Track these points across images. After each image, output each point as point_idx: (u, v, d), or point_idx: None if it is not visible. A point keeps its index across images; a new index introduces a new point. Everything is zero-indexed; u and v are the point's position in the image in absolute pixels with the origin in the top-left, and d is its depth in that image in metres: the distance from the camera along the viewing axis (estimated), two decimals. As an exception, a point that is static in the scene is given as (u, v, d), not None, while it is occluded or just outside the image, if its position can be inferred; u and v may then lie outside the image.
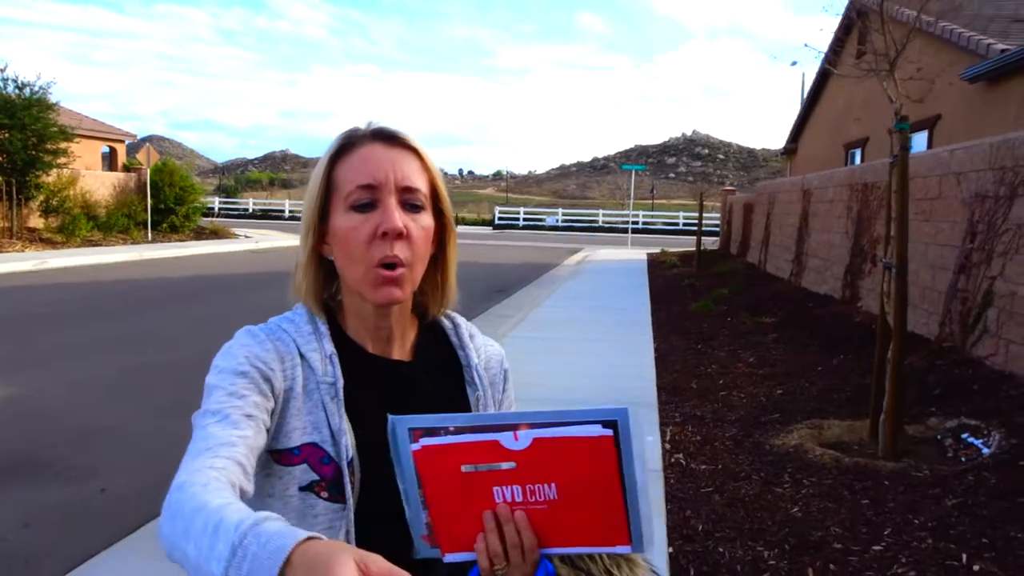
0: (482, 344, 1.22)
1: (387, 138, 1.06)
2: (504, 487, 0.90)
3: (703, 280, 14.56)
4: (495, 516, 0.89)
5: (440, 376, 1.15)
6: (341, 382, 1.04)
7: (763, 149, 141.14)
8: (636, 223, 39.62)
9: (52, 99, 19.39)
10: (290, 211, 47.66)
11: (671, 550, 3.37)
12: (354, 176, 1.03)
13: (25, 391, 6.18)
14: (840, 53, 16.15)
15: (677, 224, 43.33)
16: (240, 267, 17.51)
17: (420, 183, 1.06)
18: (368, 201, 1.02)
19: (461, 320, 1.22)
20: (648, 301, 11.99)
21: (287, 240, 26.31)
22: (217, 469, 0.88)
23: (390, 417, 0.90)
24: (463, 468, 0.89)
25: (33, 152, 18.91)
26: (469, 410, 1.14)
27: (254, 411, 0.97)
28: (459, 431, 0.88)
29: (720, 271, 15.88)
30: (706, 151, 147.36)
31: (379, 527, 1.01)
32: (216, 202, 46.12)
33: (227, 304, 11.61)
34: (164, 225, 24.34)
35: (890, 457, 4.40)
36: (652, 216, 47.63)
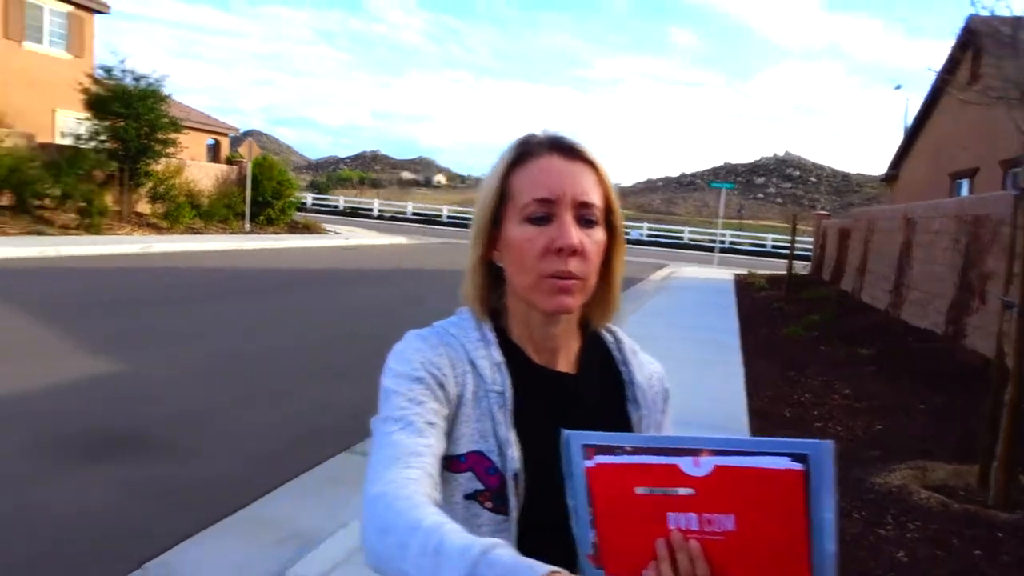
0: (644, 361, 1.19)
1: (565, 150, 1.05)
2: (679, 514, 0.85)
3: (793, 305, 14.15)
4: (668, 544, 0.85)
5: (603, 391, 1.13)
6: (510, 392, 1.03)
7: (858, 174, 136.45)
8: (723, 242, 38.87)
9: (165, 92, 20.35)
10: (379, 210, 48.64)
11: (767, 584, 3.26)
12: (531, 188, 1.02)
13: (128, 369, 6.47)
14: (950, 79, 15.48)
15: (765, 246, 42.28)
16: (331, 262, 17.97)
17: (596, 198, 1.04)
18: (544, 215, 1.01)
19: (624, 335, 1.19)
20: (736, 323, 11.71)
21: (376, 238, 26.87)
22: (413, 480, 0.87)
23: (564, 432, 0.88)
24: (637, 490, 0.85)
25: (145, 141, 19.88)
26: (631, 429, 1.11)
27: (434, 418, 0.97)
28: (636, 451, 0.85)
29: (811, 296, 15.40)
30: (797, 173, 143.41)
31: (540, 540, 0.99)
32: (309, 198, 47.47)
33: (319, 297, 11.92)
34: (261, 217, 25.22)
35: (1002, 507, 4.15)
36: (739, 236, 46.62)
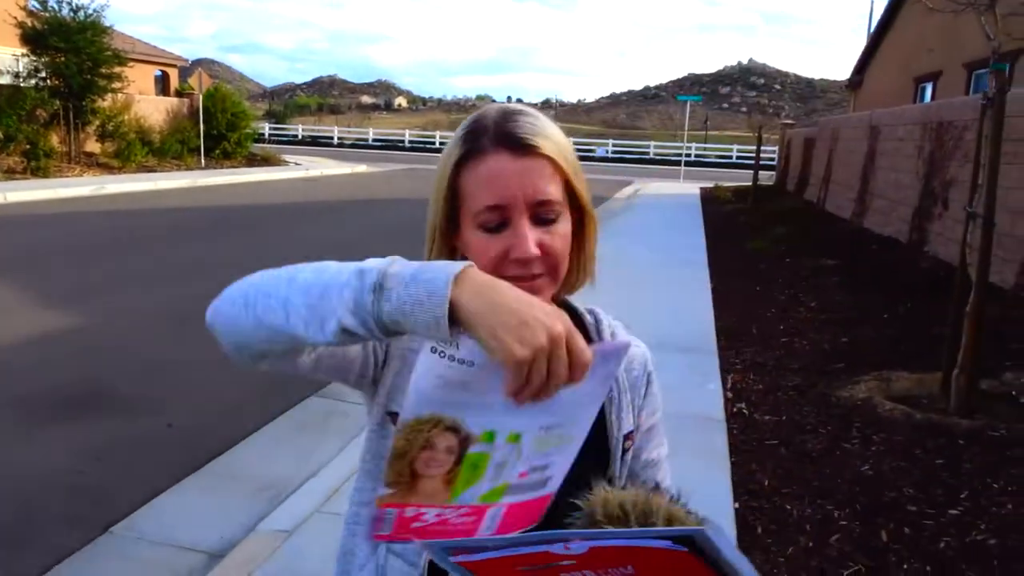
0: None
1: (515, 145, 0.93)
2: (574, 573, 0.74)
3: (759, 218, 14.19)
4: None
5: None
6: None
7: (822, 79, 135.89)
8: (689, 156, 38.73)
9: (106, 23, 19.41)
10: (339, 138, 47.59)
11: (737, 505, 3.32)
12: (480, 193, 0.93)
13: (90, 321, 6.31)
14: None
15: (731, 157, 42.24)
16: (292, 196, 17.60)
17: (554, 192, 0.94)
18: (498, 222, 0.92)
19: (604, 316, 1.14)
20: (703, 240, 11.73)
21: (337, 168, 26.33)
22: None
23: (423, 546, 0.78)
24: (520, 568, 0.74)
25: (88, 76, 19.03)
26: (603, 409, 1.04)
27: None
28: (497, 547, 0.74)
29: (777, 209, 15.45)
30: (762, 81, 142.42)
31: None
32: (266, 128, 46.26)
33: (279, 234, 11.69)
34: (217, 151, 24.51)
35: (964, 414, 4.24)
36: (705, 149, 46.48)
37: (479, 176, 0.93)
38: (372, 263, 0.74)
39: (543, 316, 0.69)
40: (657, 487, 0.98)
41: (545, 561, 0.72)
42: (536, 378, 0.68)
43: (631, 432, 1.07)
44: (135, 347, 5.65)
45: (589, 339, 1.09)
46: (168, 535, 3.14)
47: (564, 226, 0.96)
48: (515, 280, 0.88)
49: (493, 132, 0.94)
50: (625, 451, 1.06)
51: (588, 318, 1.11)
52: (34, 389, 4.68)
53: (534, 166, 0.93)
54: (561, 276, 0.97)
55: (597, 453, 1.02)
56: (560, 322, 0.69)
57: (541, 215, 0.93)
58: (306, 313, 0.75)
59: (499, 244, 0.92)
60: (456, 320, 0.69)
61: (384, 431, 0.98)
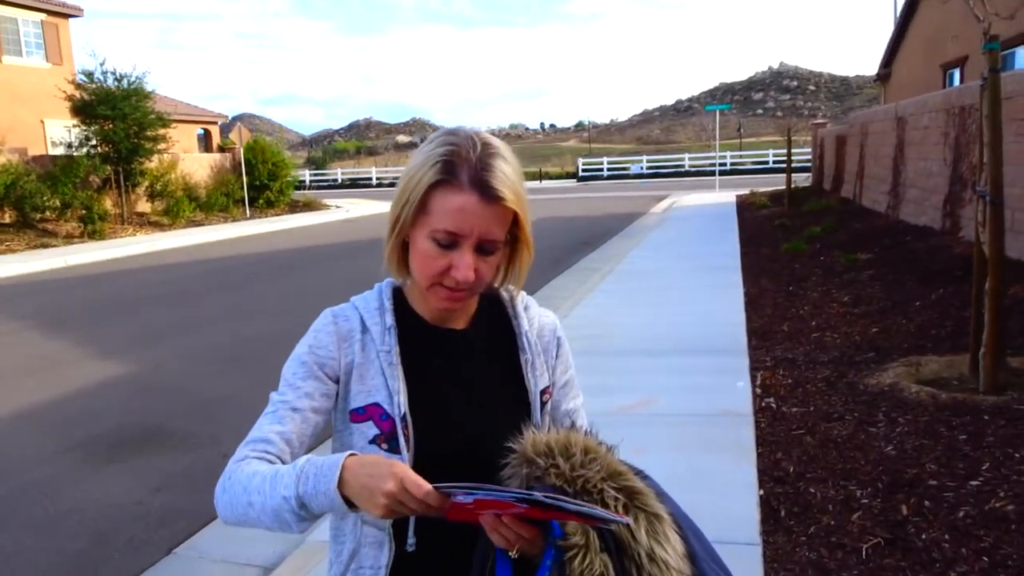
0: (536, 314, 1.33)
1: (488, 193, 1.09)
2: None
3: (795, 219, 14.15)
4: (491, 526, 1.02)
5: (495, 342, 1.28)
6: (396, 349, 1.20)
7: (857, 76, 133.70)
8: (723, 164, 38.52)
9: (148, 88, 20.34)
10: (377, 179, 48.54)
11: (762, 492, 3.43)
12: (445, 218, 1.10)
13: (148, 367, 6.69)
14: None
15: (767, 163, 41.88)
16: (334, 237, 18.11)
17: (500, 233, 1.14)
18: (449, 243, 1.12)
19: (518, 293, 1.33)
20: (737, 245, 11.78)
21: (376, 208, 26.92)
22: (253, 460, 1.14)
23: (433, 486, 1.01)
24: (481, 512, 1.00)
25: (135, 140, 19.94)
26: (520, 371, 1.26)
27: (302, 402, 1.19)
28: (468, 492, 0.97)
29: (813, 209, 15.38)
30: (795, 83, 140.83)
31: (437, 473, 1.15)
32: (307, 175, 47.44)
33: (325, 274, 12.10)
34: (260, 201, 25.34)
35: (991, 391, 4.28)
36: (740, 156, 46.16)
37: (448, 204, 1.10)
38: (289, 481, 1.04)
39: (379, 482, 0.96)
40: (573, 425, 1.21)
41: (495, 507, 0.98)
42: (411, 513, 0.98)
43: (547, 388, 1.29)
44: (188, 387, 5.98)
45: (506, 313, 1.31)
46: (226, 553, 3.38)
47: (497, 257, 1.17)
48: (447, 290, 1.15)
49: (470, 175, 1.10)
50: (544, 403, 1.27)
51: (504, 295, 1.32)
52: (98, 431, 5.02)
53: (496, 214, 1.12)
54: (481, 289, 1.20)
55: (519, 406, 1.23)
56: (391, 480, 0.95)
57: (484, 247, 1.13)
58: (269, 523, 1.08)
59: (444, 260, 1.13)
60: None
61: (348, 427, 1.22)
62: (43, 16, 22.55)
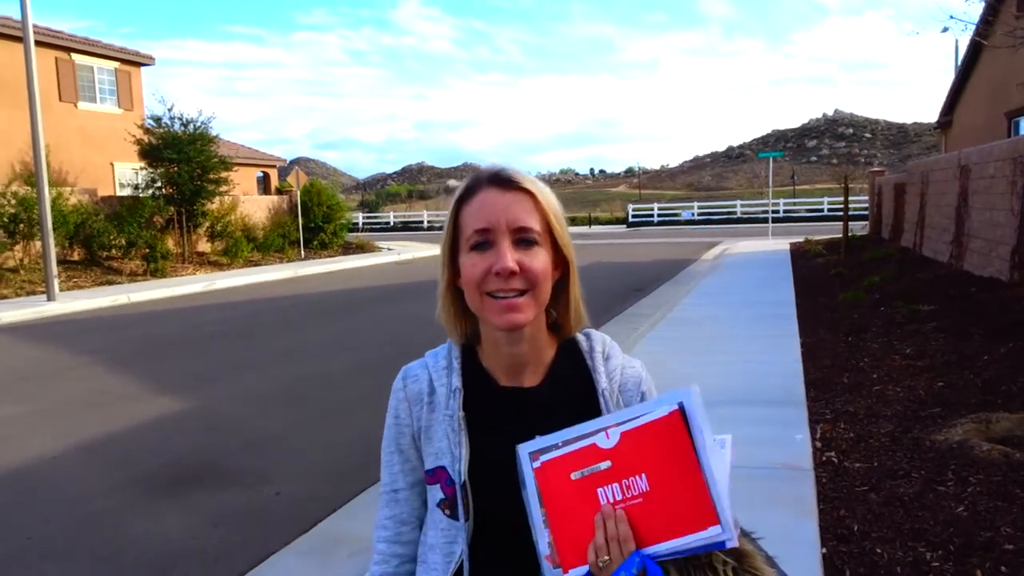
0: (618, 366, 1.25)
1: (502, 182, 1.16)
2: (606, 487, 1.02)
3: (852, 268, 13.87)
4: (602, 516, 1.00)
5: (570, 399, 1.20)
6: (459, 414, 1.18)
7: (915, 123, 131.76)
8: (776, 212, 38.13)
9: (212, 132, 21.09)
10: (428, 222, 49.22)
11: (825, 551, 3.31)
12: (472, 221, 1.15)
13: (205, 403, 6.81)
14: (996, 17, 14.94)
15: (821, 211, 41.32)
16: (385, 279, 18.35)
17: (533, 222, 1.14)
18: (484, 242, 1.13)
19: (598, 339, 1.27)
20: (792, 294, 11.57)
21: (427, 251, 27.24)
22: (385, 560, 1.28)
23: (517, 446, 1.06)
24: (572, 476, 1.03)
25: (198, 183, 20.66)
26: None
27: (397, 482, 1.27)
28: (565, 443, 1.05)
29: (871, 258, 15.07)
30: (850, 131, 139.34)
31: (498, 546, 1.16)
32: (360, 217, 48.40)
33: (376, 315, 12.24)
34: (315, 242, 25.87)
35: (1069, 452, 4.09)
36: (794, 204, 45.67)
37: (472, 207, 1.16)
38: None
39: None
40: None
41: (591, 462, 1.03)
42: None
43: None
44: (245, 425, 6.06)
45: (586, 369, 1.25)
46: (279, 593, 3.38)
47: (543, 254, 1.15)
48: (499, 301, 1.12)
49: (486, 176, 1.18)
50: None
51: (583, 344, 1.27)
52: (157, 466, 5.11)
53: (517, 199, 1.15)
54: (542, 299, 1.16)
55: None
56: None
57: (521, 239, 1.13)
58: None
59: (485, 262, 1.13)
60: None
61: (428, 487, 1.25)
62: (117, 64, 23.67)
